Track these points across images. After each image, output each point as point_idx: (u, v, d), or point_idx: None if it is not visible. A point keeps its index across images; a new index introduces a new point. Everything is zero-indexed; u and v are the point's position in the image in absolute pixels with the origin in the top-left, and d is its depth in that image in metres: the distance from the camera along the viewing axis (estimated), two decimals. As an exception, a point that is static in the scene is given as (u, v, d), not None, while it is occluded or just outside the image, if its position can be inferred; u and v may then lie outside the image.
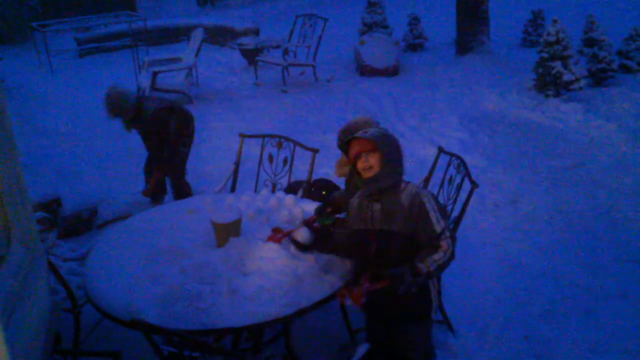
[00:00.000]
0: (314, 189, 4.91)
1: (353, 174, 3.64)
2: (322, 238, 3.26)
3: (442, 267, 2.97)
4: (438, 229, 2.96)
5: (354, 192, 3.58)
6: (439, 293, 3.28)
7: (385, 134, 3.09)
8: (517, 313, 4.45)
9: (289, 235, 3.47)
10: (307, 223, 3.54)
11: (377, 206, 3.10)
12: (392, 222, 3.04)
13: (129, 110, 5.57)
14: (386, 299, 3.08)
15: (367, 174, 3.07)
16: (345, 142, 3.17)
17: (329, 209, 3.59)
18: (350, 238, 3.24)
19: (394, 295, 2.97)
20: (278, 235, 3.51)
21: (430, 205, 2.98)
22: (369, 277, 2.99)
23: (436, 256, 2.94)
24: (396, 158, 3.08)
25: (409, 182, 3.12)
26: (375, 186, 3.06)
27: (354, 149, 3.12)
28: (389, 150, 3.06)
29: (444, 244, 2.96)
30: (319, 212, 3.62)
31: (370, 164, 3.04)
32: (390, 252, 3.07)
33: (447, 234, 2.98)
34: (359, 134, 3.09)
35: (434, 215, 2.97)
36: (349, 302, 2.94)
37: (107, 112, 5.59)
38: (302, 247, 3.24)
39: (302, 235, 3.21)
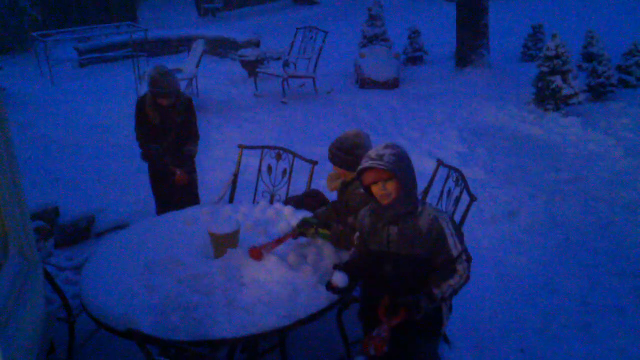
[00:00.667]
0: (304, 201, 4.90)
1: (344, 189, 3.67)
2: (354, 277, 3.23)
3: (457, 291, 2.98)
4: (455, 253, 2.94)
5: (344, 207, 3.66)
6: (450, 309, 3.26)
7: (399, 159, 2.97)
8: (513, 326, 4.44)
9: (267, 246, 3.52)
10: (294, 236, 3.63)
11: (394, 229, 3.05)
12: (410, 246, 3.01)
13: (178, 90, 5.19)
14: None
15: (384, 200, 3.02)
16: (359, 170, 3.08)
17: (312, 230, 3.61)
18: (365, 258, 3.23)
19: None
20: (258, 250, 3.50)
21: (448, 230, 2.96)
22: (386, 320, 2.94)
23: (452, 281, 2.93)
24: (412, 181, 3.02)
25: (424, 203, 3.09)
26: (394, 212, 3.03)
27: (370, 177, 3.02)
28: (405, 175, 2.98)
29: (460, 268, 2.94)
30: (300, 225, 3.65)
31: (388, 191, 2.98)
32: (406, 275, 3.05)
33: (464, 257, 2.97)
34: (374, 163, 2.96)
35: (451, 240, 2.95)
36: (372, 351, 2.87)
37: (166, 88, 4.99)
38: (340, 291, 3.17)
39: (339, 279, 3.16)
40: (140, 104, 5.26)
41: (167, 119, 5.19)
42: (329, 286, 3.13)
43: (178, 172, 5.21)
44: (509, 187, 6.78)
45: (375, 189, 3.02)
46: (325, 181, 3.94)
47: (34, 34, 13.19)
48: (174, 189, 5.29)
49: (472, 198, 3.87)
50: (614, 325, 4.45)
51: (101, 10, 17.99)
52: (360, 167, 3.06)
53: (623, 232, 5.77)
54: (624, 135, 8.01)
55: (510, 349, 4.19)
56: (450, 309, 3.24)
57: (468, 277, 2.98)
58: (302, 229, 3.62)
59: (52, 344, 3.40)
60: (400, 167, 2.95)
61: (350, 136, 3.66)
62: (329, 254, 3.60)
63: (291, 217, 4.14)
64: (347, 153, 3.60)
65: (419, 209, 3.03)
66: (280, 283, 3.32)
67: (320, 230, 3.62)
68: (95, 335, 3.94)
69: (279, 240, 3.61)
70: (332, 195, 4.47)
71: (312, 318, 3.11)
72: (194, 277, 3.37)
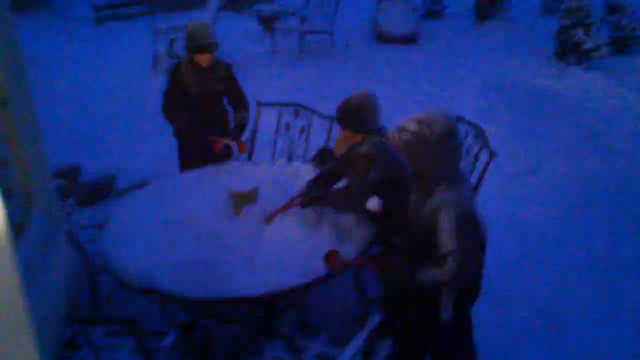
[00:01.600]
0: (321, 157, 4.89)
1: (351, 151, 3.62)
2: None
3: (438, 284, 2.85)
4: (443, 250, 2.78)
5: (352, 170, 3.64)
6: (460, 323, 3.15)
7: (413, 139, 2.81)
8: (531, 283, 4.44)
9: (276, 214, 3.53)
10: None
11: (413, 197, 3.00)
12: (419, 220, 2.94)
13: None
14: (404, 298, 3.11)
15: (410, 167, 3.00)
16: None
17: (317, 185, 3.67)
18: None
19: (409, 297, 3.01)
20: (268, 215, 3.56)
21: (444, 225, 2.77)
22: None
23: (438, 272, 2.80)
24: (427, 162, 2.84)
25: (447, 188, 2.84)
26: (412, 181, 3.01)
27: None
28: (416, 155, 2.85)
29: (445, 266, 2.77)
30: (309, 186, 3.68)
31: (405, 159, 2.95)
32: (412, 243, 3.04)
33: (450, 258, 2.75)
34: (393, 130, 2.91)
35: (443, 236, 2.78)
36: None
37: (208, 38, 4.66)
38: (374, 216, 3.21)
39: (375, 203, 3.18)
40: (174, 72, 4.88)
41: (207, 86, 4.79)
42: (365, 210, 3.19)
43: (228, 142, 4.75)
44: (529, 143, 6.71)
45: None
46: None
47: (50, -10, 13.13)
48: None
49: (492, 154, 3.84)
50: (633, 281, 4.44)
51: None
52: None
53: (644, 187, 5.72)
54: (647, 89, 7.87)
55: (529, 306, 4.21)
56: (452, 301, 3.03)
57: (453, 279, 2.80)
58: (312, 195, 3.59)
59: (76, 302, 3.46)
60: (410, 147, 2.84)
61: (357, 97, 3.61)
62: (332, 218, 3.59)
63: (309, 174, 4.13)
64: (353, 114, 3.56)
65: (437, 189, 2.87)
66: (300, 241, 3.34)
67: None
68: (118, 292, 4.00)
69: (286, 206, 3.60)
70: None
71: (330, 276, 3.13)
72: (214, 235, 3.40)
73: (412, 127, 2.82)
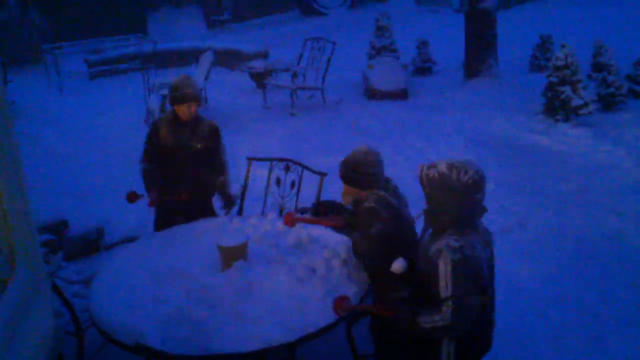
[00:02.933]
0: (320, 211, 4.90)
1: (356, 207, 3.63)
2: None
3: (437, 331, 2.84)
4: (442, 294, 2.81)
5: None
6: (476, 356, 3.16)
7: (438, 180, 2.92)
8: (524, 339, 4.39)
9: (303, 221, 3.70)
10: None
11: (425, 239, 3.08)
12: (422, 266, 3.01)
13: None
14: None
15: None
16: None
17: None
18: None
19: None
20: (293, 216, 3.71)
21: (443, 271, 2.81)
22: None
23: (437, 317, 2.81)
24: (443, 205, 2.93)
25: (454, 234, 2.90)
26: (425, 222, 3.08)
27: None
28: (434, 195, 2.96)
29: (444, 309, 2.79)
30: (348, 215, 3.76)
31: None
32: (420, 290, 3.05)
33: (450, 302, 2.78)
34: (423, 165, 3.02)
35: (442, 282, 2.80)
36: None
37: (188, 88, 4.63)
38: (399, 277, 3.20)
39: (398, 265, 3.16)
40: (155, 124, 4.87)
41: (183, 141, 4.70)
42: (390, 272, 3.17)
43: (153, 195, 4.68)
44: (518, 198, 6.74)
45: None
46: (334, 193, 3.94)
47: (44, 46, 13.27)
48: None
49: (483, 209, 3.83)
50: (625, 337, 4.40)
51: (111, 23, 18.04)
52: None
53: (633, 243, 5.72)
54: (634, 145, 7.96)
55: (522, 362, 4.15)
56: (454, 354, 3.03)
57: (451, 326, 2.80)
58: (348, 220, 3.67)
59: (61, 358, 3.38)
60: (431, 185, 2.95)
61: (360, 154, 3.63)
62: (338, 265, 3.58)
63: (300, 229, 4.12)
64: (355, 172, 3.58)
65: (445, 234, 2.93)
66: (289, 296, 3.31)
67: None
68: (104, 348, 3.92)
69: (320, 221, 3.76)
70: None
71: (321, 332, 3.09)
72: (202, 290, 3.37)
73: (442, 168, 2.91)
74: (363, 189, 3.57)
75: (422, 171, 2.99)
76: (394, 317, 2.97)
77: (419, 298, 2.97)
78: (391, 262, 3.22)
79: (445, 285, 2.79)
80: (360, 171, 3.55)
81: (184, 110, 4.66)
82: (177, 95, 4.61)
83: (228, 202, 4.92)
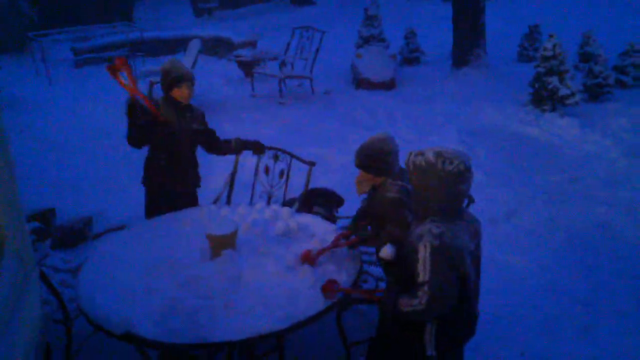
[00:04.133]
0: (312, 198, 4.90)
1: (373, 194, 3.66)
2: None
3: (413, 315, 2.89)
4: (419, 279, 2.84)
5: (374, 212, 3.65)
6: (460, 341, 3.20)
7: (425, 167, 2.93)
8: (514, 328, 4.42)
9: (322, 254, 3.57)
10: (346, 236, 3.72)
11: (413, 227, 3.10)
12: (404, 253, 3.03)
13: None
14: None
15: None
16: None
17: (363, 222, 3.72)
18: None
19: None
20: (311, 254, 3.56)
21: (423, 254, 2.84)
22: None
23: (414, 301, 2.86)
24: (430, 192, 2.94)
25: (436, 220, 2.93)
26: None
27: None
28: (420, 182, 2.97)
29: (420, 294, 2.83)
30: (354, 227, 3.75)
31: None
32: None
33: (426, 287, 2.81)
34: (411, 153, 3.04)
35: (420, 266, 2.84)
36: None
37: (184, 68, 4.63)
38: (388, 263, 3.18)
39: (388, 251, 3.17)
40: (151, 103, 4.67)
41: (186, 125, 4.66)
42: (378, 259, 3.19)
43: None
44: (507, 188, 6.77)
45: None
46: (322, 182, 3.94)
47: (30, 34, 13.16)
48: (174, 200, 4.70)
49: (470, 199, 3.85)
50: (615, 327, 4.43)
51: (98, 11, 17.92)
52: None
53: (622, 233, 5.77)
54: (621, 135, 8.01)
55: (511, 352, 4.18)
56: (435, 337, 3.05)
57: (424, 312, 2.85)
58: (362, 235, 3.67)
59: (48, 347, 3.37)
60: (417, 172, 2.98)
61: (377, 141, 3.63)
62: (327, 255, 3.59)
63: (289, 218, 4.12)
64: (373, 159, 3.58)
65: (427, 220, 2.96)
66: (279, 285, 3.31)
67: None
68: (93, 337, 3.90)
69: (339, 245, 3.67)
70: (346, 194, 4.48)
71: (311, 320, 3.09)
72: (192, 279, 3.35)
73: (429, 156, 2.93)
74: (379, 176, 3.60)
75: (409, 157, 3.01)
76: (380, 300, 3.01)
77: (404, 280, 2.99)
78: None
79: (423, 270, 2.83)
80: (377, 158, 3.56)
81: (183, 91, 4.59)
82: (175, 77, 4.55)
83: (258, 147, 4.88)
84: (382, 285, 3.81)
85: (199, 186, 5.01)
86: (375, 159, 3.57)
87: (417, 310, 2.85)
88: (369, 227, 3.72)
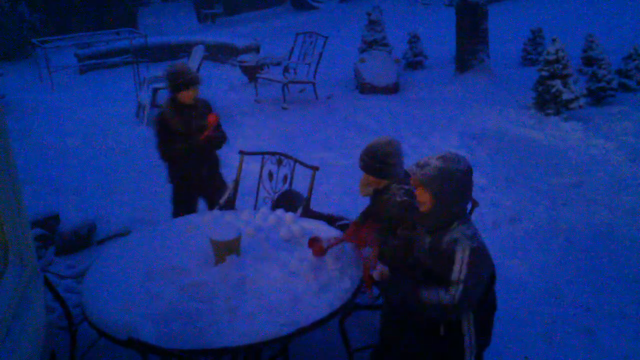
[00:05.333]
0: (281, 201, 4.91)
1: (376, 197, 3.67)
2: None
3: (436, 309, 2.89)
4: (453, 277, 2.87)
5: (377, 215, 3.65)
6: (483, 346, 3.23)
7: (440, 173, 2.95)
8: (516, 332, 4.41)
9: (334, 245, 3.57)
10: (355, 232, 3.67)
11: (427, 239, 3.09)
12: (432, 261, 3.04)
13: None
14: (418, 345, 3.09)
15: (421, 207, 3.07)
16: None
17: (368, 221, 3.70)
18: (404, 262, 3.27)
19: (424, 342, 3.02)
20: (320, 244, 3.57)
21: (461, 256, 2.88)
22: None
23: (443, 294, 2.87)
24: (450, 197, 2.97)
25: (462, 223, 2.99)
26: (427, 223, 3.07)
27: (413, 181, 3.09)
28: (441, 190, 2.96)
29: (452, 290, 2.86)
30: (362, 222, 3.77)
31: (422, 199, 3.03)
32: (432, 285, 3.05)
33: (461, 286, 2.85)
34: (413, 170, 3.04)
35: (457, 266, 2.87)
36: (376, 277, 3.16)
37: (190, 74, 4.88)
38: (380, 285, 3.21)
39: (380, 271, 3.18)
40: (161, 118, 4.92)
41: (192, 124, 4.88)
42: (371, 279, 3.19)
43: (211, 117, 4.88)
44: (510, 192, 6.76)
45: (417, 193, 3.08)
46: (326, 186, 3.94)
47: (34, 40, 13.21)
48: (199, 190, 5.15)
49: (474, 203, 3.85)
50: (617, 330, 4.42)
51: (101, 17, 17.99)
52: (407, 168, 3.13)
53: (625, 237, 5.75)
54: (624, 139, 7.99)
55: (514, 356, 4.17)
56: (481, 345, 3.15)
57: (457, 307, 2.87)
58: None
59: (53, 353, 3.37)
60: (436, 181, 2.95)
61: (382, 144, 3.63)
62: (330, 261, 3.58)
63: (292, 223, 4.12)
64: (378, 161, 3.58)
65: (454, 225, 2.99)
66: (282, 290, 3.30)
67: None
68: (97, 343, 3.91)
69: (350, 239, 3.66)
70: (350, 198, 4.46)
71: (314, 326, 3.09)
72: (195, 284, 3.36)
73: (436, 163, 2.95)
74: (383, 179, 3.61)
75: (416, 175, 2.98)
76: (388, 282, 3.03)
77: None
78: None
79: (459, 269, 2.87)
80: (382, 160, 3.57)
81: (190, 95, 4.84)
82: (184, 80, 4.76)
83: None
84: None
85: (220, 167, 5.26)
86: (380, 162, 3.58)
87: (445, 305, 2.87)
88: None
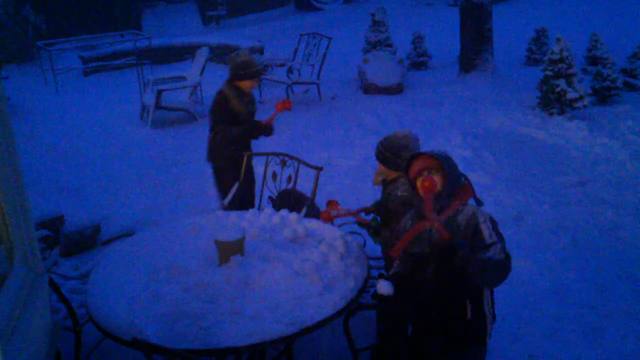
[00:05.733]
0: (278, 200, 4.94)
1: (385, 187, 3.78)
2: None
3: (488, 265, 2.95)
4: (489, 240, 2.98)
5: (384, 206, 3.76)
6: (494, 318, 3.29)
7: (448, 156, 3.15)
8: (521, 331, 4.41)
9: (341, 216, 3.84)
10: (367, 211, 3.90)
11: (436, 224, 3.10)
12: (453, 235, 3.06)
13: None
14: (439, 323, 3.13)
15: (429, 192, 3.08)
16: (410, 157, 3.21)
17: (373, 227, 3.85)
18: (407, 263, 3.27)
19: (447, 319, 3.08)
20: (329, 212, 3.82)
21: (485, 225, 3.02)
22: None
23: (488, 254, 2.95)
24: (457, 179, 3.12)
25: (467, 205, 3.14)
26: (437, 205, 3.07)
27: (418, 165, 3.14)
28: (451, 170, 3.09)
29: (495, 250, 2.98)
30: (376, 208, 3.89)
31: (434, 181, 3.06)
32: (447, 275, 3.07)
33: (499, 246, 2.99)
34: (425, 151, 3.16)
35: (487, 232, 3.00)
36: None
37: (258, 65, 5.35)
38: (386, 299, 3.20)
39: (385, 288, 3.18)
40: (222, 101, 5.21)
41: (249, 109, 5.33)
42: (375, 295, 3.20)
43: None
44: (514, 191, 6.75)
45: (420, 181, 3.10)
46: (331, 186, 3.97)
47: (39, 43, 13.24)
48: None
49: (479, 203, 3.84)
50: (622, 329, 4.41)
51: (105, 19, 18.02)
52: (410, 155, 3.21)
53: (630, 235, 5.74)
54: (629, 138, 7.98)
55: (519, 354, 4.17)
56: (493, 317, 3.26)
57: (506, 261, 2.99)
58: (371, 224, 3.84)
59: (58, 354, 3.38)
60: (448, 162, 3.09)
61: (399, 136, 3.74)
62: (334, 260, 3.59)
63: (296, 223, 4.13)
64: (392, 153, 3.68)
65: (460, 207, 3.09)
66: (286, 290, 3.31)
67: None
68: (102, 344, 3.92)
69: (353, 213, 3.88)
70: (354, 198, 4.46)
71: (318, 325, 3.09)
72: (200, 285, 3.36)
73: (436, 149, 3.19)
74: (394, 170, 3.70)
75: (437, 157, 3.09)
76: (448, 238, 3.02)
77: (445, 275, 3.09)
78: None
79: (489, 235, 2.99)
80: (395, 153, 3.66)
81: (252, 85, 5.24)
82: (251, 71, 5.14)
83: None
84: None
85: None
86: (393, 153, 3.67)
87: (499, 259, 2.97)
88: (378, 219, 3.84)
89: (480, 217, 3.03)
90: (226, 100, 5.15)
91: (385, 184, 3.80)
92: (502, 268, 3.00)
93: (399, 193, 3.62)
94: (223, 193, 5.40)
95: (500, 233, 3.07)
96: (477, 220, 3.02)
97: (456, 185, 3.11)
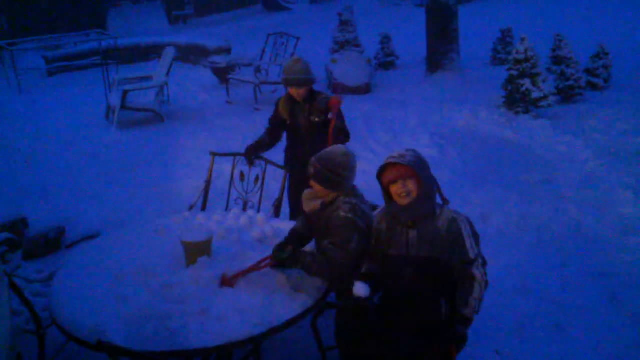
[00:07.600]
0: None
1: (323, 210, 3.48)
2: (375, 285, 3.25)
3: (482, 300, 3.07)
4: (472, 255, 3.02)
5: (323, 228, 3.47)
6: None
7: (420, 160, 3.11)
8: (487, 328, 4.44)
9: (239, 276, 3.38)
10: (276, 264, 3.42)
11: (413, 232, 3.11)
12: (430, 248, 3.08)
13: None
14: (413, 321, 3.16)
15: (404, 200, 3.07)
16: (383, 165, 3.14)
17: (288, 247, 3.40)
18: (384, 266, 3.25)
19: (421, 318, 3.14)
20: (227, 278, 3.37)
21: (466, 232, 3.05)
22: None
23: (475, 293, 3.01)
24: (431, 183, 3.11)
25: (442, 206, 3.16)
26: (413, 213, 3.08)
27: (391, 174, 3.09)
28: (426, 175, 3.08)
29: (477, 273, 3.02)
30: (277, 248, 3.41)
31: (408, 189, 3.04)
32: (425, 278, 3.09)
33: (480, 261, 3.05)
34: (398, 159, 3.06)
35: (468, 242, 3.03)
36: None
37: (296, 73, 4.96)
38: (364, 301, 3.16)
39: (362, 290, 3.15)
40: (278, 102, 5.21)
41: (299, 118, 5.06)
42: (352, 298, 3.14)
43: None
44: (481, 189, 6.81)
45: (395, 189, 3.09)
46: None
47: (0, 43, 12.99)
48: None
49: (445, 201, 3.86)
50: (587, 324, 4.47)
51: (70, 19, 17.77)
52: (382, 164, 3.14)
53: (593, 232, 5.82)
54: (592, 136, 8.11)
55: (485, 350, 4.20)
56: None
57: (486, 283, 3.07)
58: (279, 258, 3.36)
59: (20, 357, 3.32)
60: (421, 166, 3.07)
61: (338, 154, 3.44)
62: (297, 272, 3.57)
63: (264, 224, 4.11)
64: (330, 171, 3.39)
65: (438, 211, 3.11)
66: (255, 291, 3.29)
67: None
68: (66, 348, 3.86)
69: (254, 268, 3.42)
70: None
71: (286, 325, 3.09)
72: (166, 286, 3.33)
73: (409, 153, 3.13)
74: (333, 190, 3.45)
75: (408, 163, 3.04)
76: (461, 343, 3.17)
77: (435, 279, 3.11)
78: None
79: (470, 245, 3.04)
80: (335, 171, 3.39)
81: (300, 92, 4.99)
82: (287, 79, 4.99)
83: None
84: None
85: None
86: (332, 172, 3.39)
87: (483, 293, 3.07)
88: (289, 249, 3.39)
89: (461, 224, 3.07)
90: (277, 104, 5.19)
91: (324, 206, 3.47)
92: (483, 288, 3.11)
93: (342, 214, 3.32)
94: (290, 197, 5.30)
95: (477, 236, 3.16)
96: (458, 226, 3.06)
97: (433, 185, 3.14)
